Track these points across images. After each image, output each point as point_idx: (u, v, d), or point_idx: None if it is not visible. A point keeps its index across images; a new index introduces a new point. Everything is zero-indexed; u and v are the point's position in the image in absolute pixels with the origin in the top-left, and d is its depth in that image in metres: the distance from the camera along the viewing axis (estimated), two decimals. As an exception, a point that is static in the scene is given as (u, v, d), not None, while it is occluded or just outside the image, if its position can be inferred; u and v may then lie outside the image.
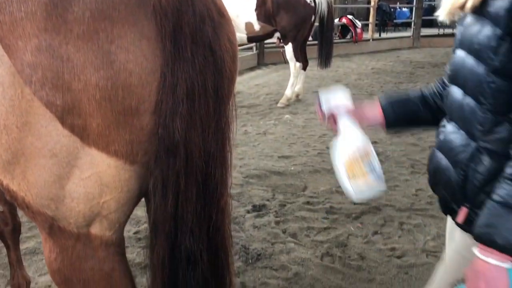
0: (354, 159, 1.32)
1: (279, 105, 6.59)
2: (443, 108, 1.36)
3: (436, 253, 2.78)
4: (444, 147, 1.28)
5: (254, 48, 9.98)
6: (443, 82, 1.42)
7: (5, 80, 0.99)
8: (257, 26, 6.62)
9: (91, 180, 1.07)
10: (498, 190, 1.04)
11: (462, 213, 1.20)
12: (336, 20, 12.19)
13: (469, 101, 1.17)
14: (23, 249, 2.67)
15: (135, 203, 1.20)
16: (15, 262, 2.38)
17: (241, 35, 6.54)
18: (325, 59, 7.07)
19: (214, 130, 1.14)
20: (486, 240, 1.04)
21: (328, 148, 4.54)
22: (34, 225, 1.34)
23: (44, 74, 0.97)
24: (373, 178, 1.33)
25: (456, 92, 1.24)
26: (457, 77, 1.24)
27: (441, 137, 1.30)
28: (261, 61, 10.06)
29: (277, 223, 3.21)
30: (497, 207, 1.03)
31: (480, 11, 1.14)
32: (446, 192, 1.27)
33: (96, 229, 1.14)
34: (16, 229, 2.31)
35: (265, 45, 9.88)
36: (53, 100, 0.98)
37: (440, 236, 2.96)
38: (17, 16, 0.97)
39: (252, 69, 9.52)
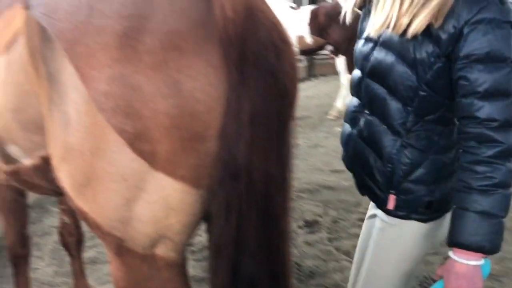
0: None
1: (329, 117, 6.55)
2: None
3: (499, 278, 2.64)
4: (368, 137, 1.45)
5: (305, 60, 9.98)
6: None
7: (81, 108, 1.05)
8: (309, 40, 6.63)
9: (158, 204, 1.10)
10: (469, 181, 1.21)
11: (392, 200, 1.41)
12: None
13: (395, 102, 1.34)
14: (84, 259, 2.78)
15: (198, 225, 1.23)
16: (78, 272, 2.49)
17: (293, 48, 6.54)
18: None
19: (276, 155, 1.15)
20: (475, 248, 1.20)
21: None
22: (94, 235, 1.41)
23: (117, 102, 1.02)
24: None
25: (378, 89, 1.39)
26: (382, 77, 1.37)
27: (363, 126, 1.47)
28: (311, 73, 10.04)
29: (330, 240, 3.17)
30: (477, 218, 1.19)
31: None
32: (368, 177, 1.48)
33: (161, 251, 1.18)
34: (80, 240, 2.42)
35: (315, 57, 9.85)
36: (124, 127, 1.03)
37: (503, 259, 2.82)
38: (93, 47, 1.02)
39: (302, 80, 9.51)
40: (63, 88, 1.08)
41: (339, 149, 5.30)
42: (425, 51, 1.25)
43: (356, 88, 1.50)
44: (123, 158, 1.06)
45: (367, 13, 1.47)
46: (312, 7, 7.18)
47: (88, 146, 1.07)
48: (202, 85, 1.03)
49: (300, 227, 3.35)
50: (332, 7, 6.66)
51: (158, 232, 1.14)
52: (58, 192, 1.51)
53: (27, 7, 1.17)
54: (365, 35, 1.47)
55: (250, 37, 1.07)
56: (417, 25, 1.23)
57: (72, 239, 2.40)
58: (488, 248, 1.20)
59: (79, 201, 1.15)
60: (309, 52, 7.24)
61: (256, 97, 1.08)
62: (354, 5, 1.52)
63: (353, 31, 6.56)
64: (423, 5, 1.22)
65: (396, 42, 1.32)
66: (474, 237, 1.19)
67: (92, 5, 1.04)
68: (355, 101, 1.53)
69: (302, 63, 9.94)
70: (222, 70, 1.05)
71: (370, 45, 1.43)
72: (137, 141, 1.04)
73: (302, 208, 3.66)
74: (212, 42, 1.05)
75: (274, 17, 1.18)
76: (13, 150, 1.50)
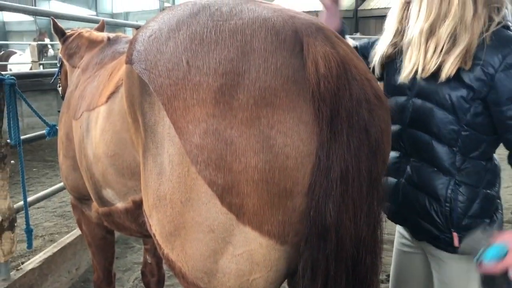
0: None
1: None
2: None
3: None
4: (420, 182, 1.52)
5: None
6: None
7: (175, 159, 1.09)
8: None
9: (243, 257, 1.09)
10: None
11: (455, 238, 1.46)
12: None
13: (441, 145, 1.45)
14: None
15: (282, 282, 1.20)
16: (157, 310, 2.53)
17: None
18: None
19: (366, 214, 1.10)
20: None
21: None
22: (172, 274, 1.42)
23: (209, 156, 1.04)
24: None
25: (422, 136, 1.49)
26: (424, 124, 1.48)
27: (411, 173, 1.54)
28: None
29: None
30: None
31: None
32: (424, 221, 1.52)
33: (243, 305, 1.15)
34: (161, 280, 2.47)
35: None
36: (215, 179, 1.04)
37: None
38: (190, 102, 1.06)
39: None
40: (159, 139, 1.13)
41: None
42: (460, 96, 1.38)
43: (394, 141, 1.50)
44: (212, 210, 1.07)
45: (397, 68, 1.55)
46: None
47: (179, 196, 1.09)
48: (293, 141, 1.03)
49: (382, 281, 3.17)
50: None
51: (241, 286, 1.13)
52: (146, 235, 1.56)
53: (130, 62, 1.25)
54: (397, 87, 1.56)
55: (343, 93, 1.05)
56: (448, 69, 1.36)
57: (154, 279, 2.45)
58: None
59: (167, 249, 1.17)
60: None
61: (347, 154, 1.05)
62: (382, 58, 1.61)
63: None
64: (449, 51, 1.37)
65: (431, 91, 1.44)
66: None
67: (190, 62, 1.09)
68: (393, 153, 1.58)
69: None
70: (314, 127, 1.04)
71: (404, 97, 1.53)
72: (227, 194, 1.05)
73: (383, 260, 3.47)
74: (304, 98, 1.04)
75: (367, 72, 1.16)
76: (108, 193, 1.58)
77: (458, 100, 1.39)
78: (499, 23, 1.37)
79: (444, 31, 1.38)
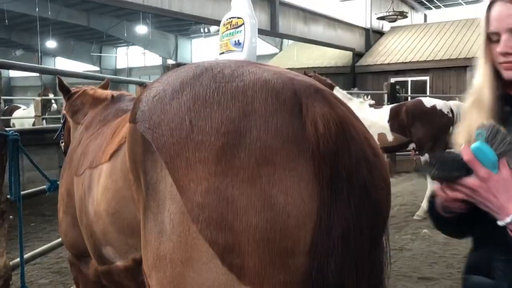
0: None
1: (415, 217, 6.22)
2: None
3: None
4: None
5: (385, 156, 9.82)
6: None
7: (176, 217, 1.09)
8: (390, 137, 6.57)
9: None
10: None
11: None
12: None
13: None
14: None
15: None
16: None
17: (373, 146, 6.51)
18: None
19: (368, 273, 1.09)
20: None
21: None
22: None
23: (210, 214, 1.04)
24: None
25: None
26: None
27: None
28: (392, 170, 9.79)
29: None
30: None
31: None
32: None
33: None
34: None
35: (397, 153, 9.67)
36: (216, 238, 1.04)
37: None
38: (192, 161, 1.08)
39: (383, 177, 9.28)
40: (160, 197, 1.14)
41: (428, 254, 4.94)
42: None
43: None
44: (213, 270, 1.06)
45: None
46: (393, 105, 7.20)
47: (180, 256, 1.09)
48: (294, 200, 1.04)
49: None
50: (414, 105, 6.63)
51: None
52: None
53: (134, 121, 1.28)
54: None
55: (342, 152, 1.07)
56: None
57: None
58: None
59: (167, 310, 1.15)
60: (390, 149, 7.14)
61: (348, 213, 1.05)
62: None
63: (438, 130, 6.42)
64: None
65: None
66: None
67: (193, 122, 1.12)
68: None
69: (383, 160, 9.78)
70: (315, 186, 1.05)
71: None
72: (228, 254, 1.04)
73: (388, 319, 3.37)
74: (305, 157, 1.06)
75: (365, 131, 1.18)
76: (108, 251, 1.57)
77: None
78: None
79: None
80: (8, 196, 2.46)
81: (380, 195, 1.12)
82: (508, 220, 1.06)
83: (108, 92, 2.49)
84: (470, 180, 1.09)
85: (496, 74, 1.32)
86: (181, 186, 1.08)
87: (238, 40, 1.42)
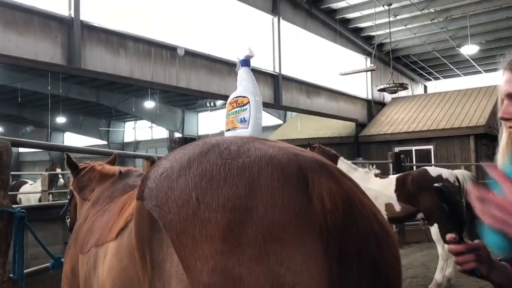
0: None
1: (429, 291, 5.99)
2: None
3: None
4: None
5: (394, 226, 9.64)
6: None
7: (182, 298, 1.06)
8: (397, 207, 6.50)
9: None
10: None
11: None
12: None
13: None
14: None
15: None
16: None
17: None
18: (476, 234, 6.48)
19: None
20: None
21: None
22: None
23: None
24: None
25: None
26: None
27: None
28: (402, 240, 9.58)
29: None
30: None
31: None
32: None
33: None
34: None
35: (406, 223, 9.50)
36: None
37: None
38: (199, 239, 1.07)
39: (393, 248, 9.05)
40: (166, 276, 1.12)
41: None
42: None
43: None
44: None
45: None
46: (398, 175, 7.19)
47: None
48: (303, 278, 1.02)
49: None
50: (420, 175, 6.62)
51: None
52: None
53: (141, 198, 1.29)
54: None
55: (350, 228, 1.06)
56: None
57: None
58: None
59: None
60: (398, 220, 7.03)
61: (358, 290, 1.03)
62: None
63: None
64: None
65: None
66: None
67: (199, 198, 1.12)
68: None
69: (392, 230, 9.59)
70: (324, 263, 1.03)
71: None
72: None
73: None
74: (312, 234, 1.05)
75: (372, 206, 1.18)
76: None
77: None
78: None
79: None
80: (11, 275, 2.41)
81: (390, 273, 1.10)
82: None
83: (115, 168, 2.52)
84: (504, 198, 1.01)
85: None
86: (187, 265, 1.07)
87: (244, 118, 1.47)
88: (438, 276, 6.13)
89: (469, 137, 14.72)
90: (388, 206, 6.52)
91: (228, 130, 1.51)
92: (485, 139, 14.56)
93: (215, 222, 1.07)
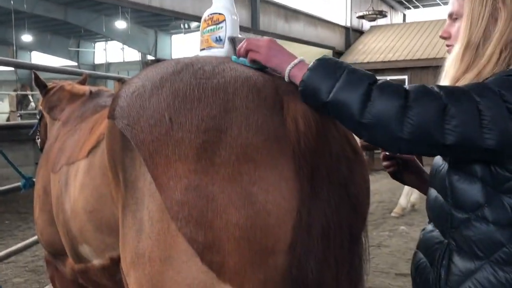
0: None
1: (393, 214, 6.31)
2: None
3: None
4: (423, 246, 1.27)
5: (364, 154, 9.91)
6: None
7: (155, 215, 1.07)
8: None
9: None
10: None
11: None
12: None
13: (440, 198, 1.19)
14: None
15: None
16: None
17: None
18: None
19: (347, 271, 1.10)
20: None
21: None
22: None
23: (190, 212, 1.03)
24: None
25: (432, 193, 1.25)
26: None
27: (421, 236, 1.31)
28: (371, 167, 9.90)
29: None
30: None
31: None
32: None
33: None
34: None
35: (377, 151, 9.77)
36: (196, 236, 1.03)
37: None
38: (172, 158, 1.07)
39: (362, 175, 9.37)
40: (139, 195, 1.12)
41: (405, 250, 5.01)
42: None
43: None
44: (192, 268, 1.05)
45: None
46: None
47: (159, 254, 1.07)
48: (274, 197, 1.03)
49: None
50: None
51: None
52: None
53: (112, 117, 1.26)
54: None
55: (322, 150, 1.07)
56: None
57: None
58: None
59: (144, 310, 1.13)
60: (369, 148, 7.20)
61: (328, 210, 1.06)
62: None
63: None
64: None
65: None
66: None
67: (172, 118, 1.10)
68: (435, 231, 1.23)
69: (362, 157, 9.87)
70: (295, 183, 1.05)
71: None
72: (207, 252, 1.03)
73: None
74: (285, 155, 1.06)
75: (345, 129, 1.19)
76: (85, 249, 1.54)
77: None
78: None
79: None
80: (-18, 193, 2.40)
81: (359, 193, 1.13)
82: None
83: (86, 88, 2.45)
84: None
85: None
86: (160, 184, 1.07)
87: (219, 36, 1.41)
88: (402, 201, 6.43)
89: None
90: (360, 135, 6.64)
91: (203, 49, 1.46)
92: (459, 71, 14.69)
93: (188, 142, 1.06)
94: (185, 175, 1.04)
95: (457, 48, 1.23)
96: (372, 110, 1.00)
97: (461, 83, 1.16)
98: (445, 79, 1.26)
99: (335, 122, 1.15)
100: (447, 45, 1.41)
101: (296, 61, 1.17)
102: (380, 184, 8.53)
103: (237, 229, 1.02)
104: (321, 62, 1.13)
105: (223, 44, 1.42)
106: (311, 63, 1.14)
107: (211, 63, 1.23)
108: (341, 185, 1.08)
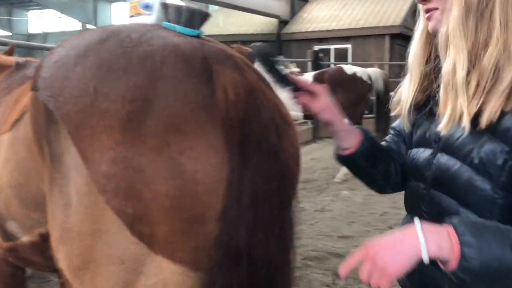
0: None
1: (336, 180, 6.51)
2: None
3: None
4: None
5: (309, 122, 10.09)
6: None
7: (81, 189, 1.05)
8: (313, 104, 6.73)
9: (156, 287, 1.07)
10: None
11: None
12: (393, 94, 12.22)
13: (467, 213, 1.08)
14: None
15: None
16: None
17: (297, 113, 6.69)
18: (382, 133, 7.02)
19: (278, 237, 1.13)
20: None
21: (391, 228, 4.37)
22: None
23: (118, 184, 1.01)
24: None
25: (446, 201, 1.14)
26: (448, 186, 1.13)
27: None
28: (316, 135, 10.12)
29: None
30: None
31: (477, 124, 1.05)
32: None
33: (159, 336, 1.12)
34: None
35: (321, 119, 9.96)
36: (124, 208, 1.02)
37: None
38: (97, 130, 1.04)
39: (307, 143, 9.57)
40: (65, 168, 1.09)
41: (347, 214, 5.21)
42: (489, 151, 1.04)
43: (415, 203, 1.25)
44: (122, 241, 1.04)
45: (426, 117, 1.26)
46: (314, 72, 7.37)
47: (87, 228, 1.05)
48: (203, 167, 1.03)
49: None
50: (336, 72, 6.84)
51: None
52: (55, 269, 1.48)
53: (35, 88, 1.20)
54: (425, 139, 1.25)
55: (251, 118, 1.08)
56: (491, 112, 1.01)
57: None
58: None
59: (76, 284, 1.12)
60: (313, 116, 7.34)
61: (258, 178, 1.07)
62: (410, 107, 1.28)
63: (358, 96, 6.71)
64: (490, 90, 1.03)
65: (458, 144, 1.11)
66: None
67: (97, 89, 1.07)
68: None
69: (307, 126, 10.06)
70: (224, 152, 1.05)
71: (430, 151, 1.21)
72: (137, 223, 1.03)
73: (309, 277, 3.55)
74: (214, 124, 1.06)
75: (275, 97, 1.20)
76: (12, 226, 1.49)
77: (487, 155, 1.04)
78: None
79: (487, 62, 1.03)
80: None
81: (289, 161, 1.15)
82: None
83: (12, 59, 2.31)
84: None
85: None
86: (86, 156, 1.04)
87: (148, 3, 1.36)
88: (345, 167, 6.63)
89: (385, 36, 15.19)
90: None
91: (132, 16, 1.41)
92: (400, 40, 15.08)
93: (114, 113, 1.04)
94: (111, 147, 1.02)
95: (455, 11, 1.05)
96: None
97: (486, 60, 1.03)
98: (451, 52, 1.08)
99: (265, 91, 1.16)
100: (428, 10, 1.17)
101: (418, 231, 0.93)
102: (325, 151, 8.75)
103: (166, 200, 1.02)
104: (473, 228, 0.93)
105: (152, 10, 1.37)
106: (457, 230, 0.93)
107: (138, 31, 1.20)
108: (270, 153, 1.10)
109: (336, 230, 4.54)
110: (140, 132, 1.02)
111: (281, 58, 13.09)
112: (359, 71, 6.85)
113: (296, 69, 9.99)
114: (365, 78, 6.72)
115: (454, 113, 1.08)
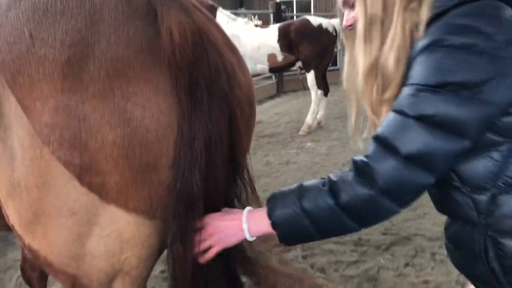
0: None
1: (300, 133, 6.56)
2: None
3: (472, 286, 2.65)
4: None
5: (273, 77, 10.04)
6: None
7: (25, 141, 1.00)
8: (280, 57, 6.66)
9: (111, 237, 1.06)
10: None
11: None
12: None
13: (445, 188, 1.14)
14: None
15: (157, 257, 1.18)
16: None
17: (263, 66, 6.61)
18: (346, 85, 7.06)
19: (231, 181, 1.12)
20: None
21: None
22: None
23: (62, 134, 0.97)
24: None
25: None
26: None
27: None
28: (280, 89, 10.09)
29: (304, 257, 3.13)
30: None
31: None
32: None
33: (118, 286, 1.12)
34: (44, 274, 2.32)
35: (284, 73, 9.92)
36: (71, 159, 0.98)
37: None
38: (35, 78, 0.98)
39: (272, 97, 9.54)
40: (6, 121, 1.03)
41: (311, 165, 5.25)
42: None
43: None
44: (71, 192, 1.01)
45: None
46: (279, 24, 7.24)
47: (34, 181, 1.02)
48: (152, 113, 1.00)
49: (274, 246, 3.31)
50: (302, 24, 6.73)
51: (113, 267, 1.09)
52: (10, 228, 1.44)
53: (-33, 37, 1.12)
54: None
55: (200, 61, 1.04)
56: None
57: (35, 274, 2.29)
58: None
59: (28, 239, 1.09)
60: (279, 69, 7.29)
61: (209, 123, 1.05)
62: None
63: (324, 47, 6.64)
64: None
65: None
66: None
67: (33, 34, 1.00)
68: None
69: (271, 80, 10.01)
70: (173, 97, 1.02)
71: None
72: (85, 174, 1.00)
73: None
74: (160, 68, 1.02)
75: (225, 40, 1.16)
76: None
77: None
78: None
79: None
80: None
81: (240, 104, 1.13)
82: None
83: None
84: None
85: None
86: (26, 106, 0.99)
87: None
88: (309, 119, 6.68)
89: (348, -13, 15.01)
90: (271, 57, 6.64)
91: None
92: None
93: (52, 59, 0.98)
94: (52, 95, 0.97)
95: (360, 26, 1.04)
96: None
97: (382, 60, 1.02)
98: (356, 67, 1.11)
99: (214, 33, 1.12)
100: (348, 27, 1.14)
101: (244, 218, 1.09)
102: (289, 105, 8.77)
103: (114, 148, 0.98)
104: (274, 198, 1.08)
105: None
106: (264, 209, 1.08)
107: (76, -28, 1.12)
108: (221, 97, 1.07)
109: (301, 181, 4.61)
110: (82, 78, 0.97)
111: (242, 10, 12.80)
112: (325, 22, 6.77)
113: (259, 22, 9.80)
114: (330, 29, 6.65)
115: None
